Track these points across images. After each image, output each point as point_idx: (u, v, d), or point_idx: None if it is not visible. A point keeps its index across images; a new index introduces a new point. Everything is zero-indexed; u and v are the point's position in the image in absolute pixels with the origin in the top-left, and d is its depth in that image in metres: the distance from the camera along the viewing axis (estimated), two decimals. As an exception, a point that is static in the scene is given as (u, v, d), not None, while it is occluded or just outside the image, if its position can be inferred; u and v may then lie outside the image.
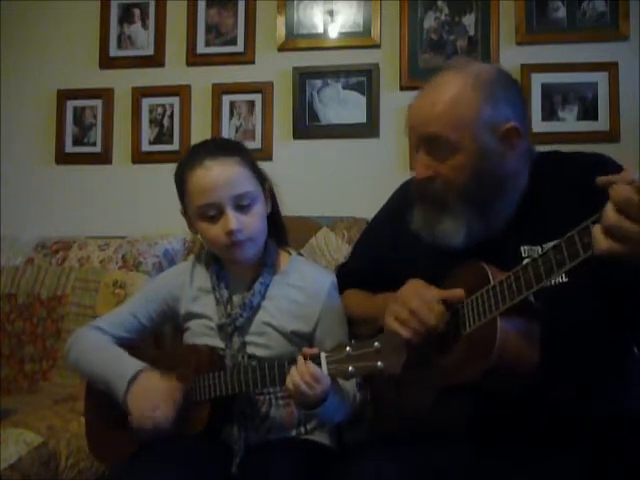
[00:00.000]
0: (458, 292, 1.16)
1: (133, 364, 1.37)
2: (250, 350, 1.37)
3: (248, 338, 1.38)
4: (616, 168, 1.20)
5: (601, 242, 0.90)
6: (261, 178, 1.41)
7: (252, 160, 1.41)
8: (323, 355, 1.19)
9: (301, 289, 1.42)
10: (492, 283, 1.10)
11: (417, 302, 1.16)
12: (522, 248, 1.19)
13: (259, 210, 1.37)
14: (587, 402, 1.14)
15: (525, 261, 1.06)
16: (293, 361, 1.23)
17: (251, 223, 1.35)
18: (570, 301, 1.08)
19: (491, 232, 1.21)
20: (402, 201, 1.38)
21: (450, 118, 1.17)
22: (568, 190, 1.19)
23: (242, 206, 1.34)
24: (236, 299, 1.40)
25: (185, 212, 1.42)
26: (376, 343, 1.14)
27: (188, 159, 1.38)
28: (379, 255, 1.43)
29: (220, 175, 1.33)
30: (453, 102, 1.17)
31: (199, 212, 1.35)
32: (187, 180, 1.35)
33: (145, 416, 1.30)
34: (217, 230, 1.34)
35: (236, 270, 1.43)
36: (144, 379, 1.34)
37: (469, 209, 1.20)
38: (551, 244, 1.01)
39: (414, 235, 1.27)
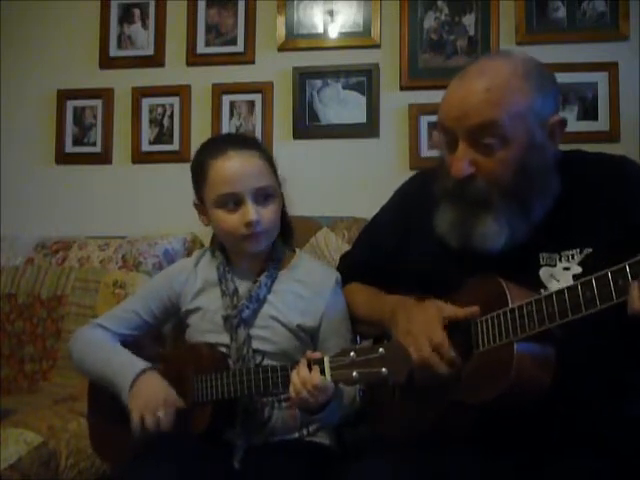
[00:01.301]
0: (474, 311, 1.11)
1: (136, 363, 1.37)
2: (255, 344, 1.37)
3: (253, 332, 1.38)
4: None
5: (636, 302, 0.87)
6: (277, 174, 1.43)
7: (271, 156, 1.43)
8: (327, 360, 1.17)
9: (306, 284, 1.42)
10: (510, 305, 1.06)
11: (427, 350, 1.11)
12: (541, 255, 1.15)
13: (276, 204, 1.39)
14: (599, 421, 1.11)
15: (553, 287, 1.02)
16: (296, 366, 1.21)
17: (268, 216, 1.36)
18: (588, 327, 1.01)
19: (526, 234, 1.16)
20: (413, 194, 1.35)
21: (505, 105, 1.09)
22: (592, 197, 1.15)
23: (261, 199, 1.35)
24: (242, 291, 1.40)
25: (200, 203, 1.42)
26: (381, 349, 1.11)
27: (209, 149, 1.40)
28: (386, 249, 1.40)
29: (243, 166, 1.35)
30: (507, 88, 1.10)
31: (218, 201, 1.35)
32: (208, 169, 1.36)
33: (146, 412, 1.29)
34: (235, 221, 1.34)
35: (243, 264, 1.43)
36: (147, 380, 1.34)
37: (512, 209, 1.14)
38: (579, 277, 0.97)
39: (427, 230, 1.24)
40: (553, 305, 0.99)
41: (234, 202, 1.34)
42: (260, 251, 1.40)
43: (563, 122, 1.15)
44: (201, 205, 1.42)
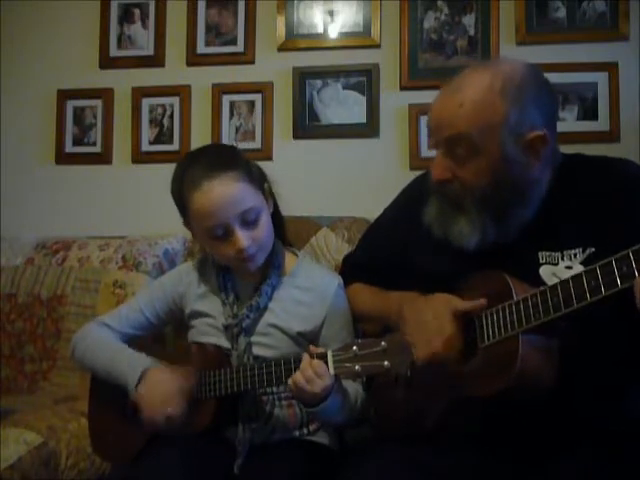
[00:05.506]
0: (482, 303, 1.13)
1: (142, 360, 1.38)
2: (255, 351, 1.37)
3: (254, 339, 1.38)
4: None
5: None
6: (260, 183, 1.38)
7: (248, 168, 1.36)
8: (330, 354, 1.18)
9: (308, 290, 1.42)
10: (515, 298, 1.07)
11: (438, 343, 1.13)
12: (540, 254, 1.17)
13: (265, 219, 1.35)
14: (603, 417, 1.12)
15: (554, 280, 1.04)
16: (299, 359, 1.22)
17: (260, 235, 1.33)
18: (591, 320, 1.03)
19: (508, 237, 1.19)
20: (416, 195, 1.36)
21: (476, 120, 1.14)
22: (590, 197, 1.17)
23: (249, 220, 1.32)
24: (243, 299, 1.40)
25: (188, 224, 1.40)
26: (383, 343, 1.13)
27: (184, 177, 1.34)
28: (390, 249, 1.41)
29: (222, 196, 1.29)
30: (479, 104, 1.14)
31: (207, 233, 1.33)
32: (188, 202, 1.32)
33: (157, 411, 1.30)
34: (227, 248, 1.32)
35: (243, 272, 1.42)
36: (154, 375, 1.34)
37: (485, 214, 1.18)
38: (579, 267, 1.00)
39: (428, 230, 1.26)
40: (558, 295, 1.01)
41: (223, 231, 1.31)
42: (260, 265, 1.38)
43: (542, 137, 1.15)
44: (190, 226, 1.40)
